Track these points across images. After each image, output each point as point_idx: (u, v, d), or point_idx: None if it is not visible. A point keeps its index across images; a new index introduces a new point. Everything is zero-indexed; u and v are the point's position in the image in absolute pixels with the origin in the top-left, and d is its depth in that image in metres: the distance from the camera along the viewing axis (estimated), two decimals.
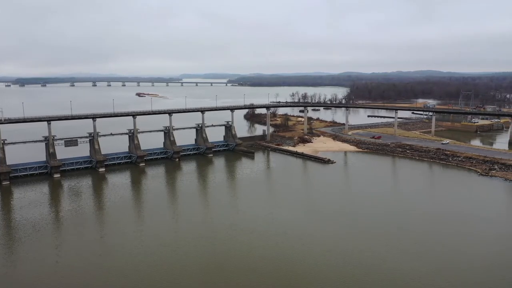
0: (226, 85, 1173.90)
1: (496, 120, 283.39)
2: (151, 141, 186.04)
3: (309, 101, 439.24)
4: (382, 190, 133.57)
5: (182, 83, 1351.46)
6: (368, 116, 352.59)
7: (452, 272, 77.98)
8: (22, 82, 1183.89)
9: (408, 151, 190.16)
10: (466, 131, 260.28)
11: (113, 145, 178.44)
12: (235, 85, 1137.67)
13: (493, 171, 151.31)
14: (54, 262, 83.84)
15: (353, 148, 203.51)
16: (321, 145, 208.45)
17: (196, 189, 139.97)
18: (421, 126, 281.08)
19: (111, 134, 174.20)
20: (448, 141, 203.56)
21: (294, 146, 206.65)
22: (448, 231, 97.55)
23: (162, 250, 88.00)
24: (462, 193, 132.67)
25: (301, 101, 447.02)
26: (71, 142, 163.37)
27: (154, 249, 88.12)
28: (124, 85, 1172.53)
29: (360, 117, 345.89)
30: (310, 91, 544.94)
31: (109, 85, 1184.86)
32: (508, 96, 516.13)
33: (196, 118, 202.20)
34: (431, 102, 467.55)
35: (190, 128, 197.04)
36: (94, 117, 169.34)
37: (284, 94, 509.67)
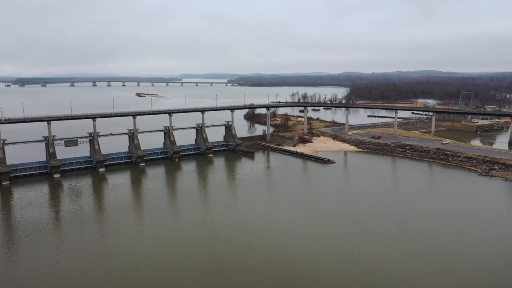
0: (226, 85, 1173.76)
1: (496, 120, 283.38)
2: (151, 141, 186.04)
3: (309, 101, 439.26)
4: (382, 190, 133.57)
5: (182, 83, 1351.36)
6: (368, 116, 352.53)
7: (452, 272, 77.99)
8: (22, 82, 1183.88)
9: (408, 151, 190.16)
10: (466, 131, 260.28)
11: (113, 145, 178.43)
12: (235, 85, 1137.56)
13: (493, 171, 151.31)
14: (54, 262, 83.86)
15: (353, 148, 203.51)
16: (321, 145, 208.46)
17: (196, 189, 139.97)
18: (421, 126, 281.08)
19: (111, 134, 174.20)
20: (448, 141, 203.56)
21: (294, 146, 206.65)
22: (448, 231, 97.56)
23: (162, 250, 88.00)
24: (462, 193, 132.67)
25: (301, 101, 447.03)
26: (71, 142, 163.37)
27: (154, 249, 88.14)
28: (124, 85, 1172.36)
29: (360, 117, 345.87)
30: (310, 91, 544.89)
31: (109, 85, 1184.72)
32: (508, 96, 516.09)
33: (196, 118, 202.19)
34: (431, 102, 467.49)
35: (190, 128, 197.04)
36: (94, 117, 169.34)
37: (284, 94, 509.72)
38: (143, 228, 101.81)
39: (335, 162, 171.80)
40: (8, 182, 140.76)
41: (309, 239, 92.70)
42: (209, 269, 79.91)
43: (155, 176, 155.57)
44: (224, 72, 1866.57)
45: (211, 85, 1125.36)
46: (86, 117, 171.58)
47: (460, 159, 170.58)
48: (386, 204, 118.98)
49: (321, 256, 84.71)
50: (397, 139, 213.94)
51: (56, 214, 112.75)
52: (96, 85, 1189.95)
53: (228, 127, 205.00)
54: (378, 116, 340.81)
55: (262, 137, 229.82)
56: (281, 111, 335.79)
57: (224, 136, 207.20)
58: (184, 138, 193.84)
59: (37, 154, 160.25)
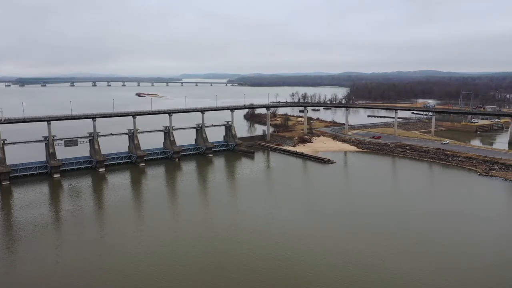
0: (226, 85, 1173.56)
1: (496, 120, 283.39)
2: (151, 141, 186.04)
3: (309, 101, 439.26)
4: (382, 190, 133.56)
5: (182, 83, 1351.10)
6: (368, 116, 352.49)
7: (452, 272, 77.99)
8: (22, 82, 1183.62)
9: (408, 151, 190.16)
10: (466, 131, 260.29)
11: (113, 145, 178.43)
12: (235, 85, 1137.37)
13: (493, 171, 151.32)
14: (54, 262, 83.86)
15: (353, 148, 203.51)
16: (321, 145, 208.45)
17: (196, 189, 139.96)
18: (421, 126, 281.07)
19: (111, 134, 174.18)
20: (448, 141, 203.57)
21: (294, 146, 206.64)
22: (448, 231, 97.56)
23: (162, 250, 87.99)
24: (462, 193, 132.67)
25: (301, 101, 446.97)
26: (71, 142, 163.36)
27: (154, 249, 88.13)
28: (124, 85, 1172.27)
29: (360, 117, 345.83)
30: (310, 91, 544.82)
31: (109, 85, 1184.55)
32: (508, 96, 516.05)
33: (196, 118, 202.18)
34: (431, 102, 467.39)
35: (190, 128, 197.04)
36: (94, 117, 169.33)
37: (284, 94, 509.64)
38: (143, 228, 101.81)
39: (335, 162, 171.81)
40: (8, 182, 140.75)
41: (309, 239, 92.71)
42: (209, 269, 79.91)
43: (155, 176, 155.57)
44: (224, 72, 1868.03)
45: (211, 85, 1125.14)
46: (86, 117, 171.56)
47: (460, 159, 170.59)
48: (386, 204, 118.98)
49: (321, 256, 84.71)
50: (397, 139, 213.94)
51: (56, 214, 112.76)
52: (96, 85, 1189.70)
53: (228, 127, 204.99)
54: (378, 116, 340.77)
55: (262, 137, 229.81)
56: (281, 111, 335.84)
57: (224, 136, 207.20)
58: (184, 138, 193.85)
59: (37, 154, 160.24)
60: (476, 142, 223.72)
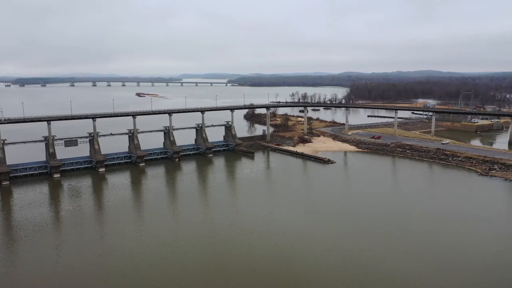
0: (226, 85, 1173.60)
1: (496, 120, 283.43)
2: (151, 141, 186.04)
3: (309, 101, 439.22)
4: (382, 190, 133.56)
5: (182, 83, 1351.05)
6: (368, 116, 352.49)
7: (452, 272, 77.99)
8: (22, 82, 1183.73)
9: (408, 151, 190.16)
10: (466, 131, 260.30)
11: (113, 145, 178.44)
12: (235, 85, 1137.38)
13: (493, 171, 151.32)
14: (54, 262, 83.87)
15: (353, 148, 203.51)
16: (321, 145, 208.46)
17: (196, 189, 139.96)
18: (421, 126, 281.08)
19: (111, 134, 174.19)
20: (448, 141, 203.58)
21: (294, 146, 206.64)
22: (448, 231, 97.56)
23: (162, 250, 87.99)
24: (462, 193, 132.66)
25: (301, 101, 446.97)
26: (71, 142, 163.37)
27: (154, 249, 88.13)
28: (124, 85, 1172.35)
29: (360, 117, 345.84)
30: (310, 91, 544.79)
31: (109, 85, 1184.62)
32: (508, 96, 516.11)
33: (196, 118, 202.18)
34: (431, 102, 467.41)
35: (190, 128, 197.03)
36: (94, 117, 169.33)
37: (284, 94, 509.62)
38: (143, 228, 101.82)
39: (335, 162, 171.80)
40: (8, 182, 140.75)
41: (309, 239, 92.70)
42: (209, 269, 79.91)
43: (155, 176, 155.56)
44: (224, 72, 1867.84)
45: (211, 85, 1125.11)
46: (86, 117, 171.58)
47: (460, 159, 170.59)
48: (386, 204, 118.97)
49: (321, 256, 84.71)
50: (397, 139, 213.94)
51: (56, 214, 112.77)
52: (96, 85, 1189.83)
53: (228, 127, 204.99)
54: (378, 116, 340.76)
55: (262, 137, 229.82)
56: (281, 111, 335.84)
57: (224, 136, 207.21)
58: (184, 138, 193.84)
59: (37, 154, 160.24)
60: (476, 142, 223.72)
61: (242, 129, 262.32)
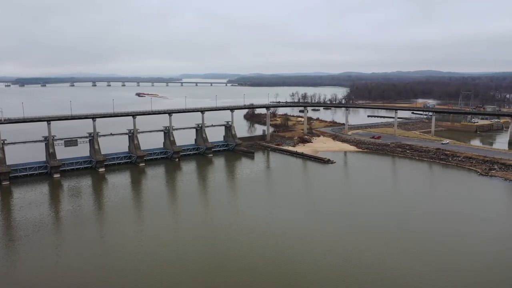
0: (226, 85, 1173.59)
1: (496, 120, 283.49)
2: (151, 141, 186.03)
3: (309, 101, 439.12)
4: (382, 190, 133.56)
5: (182, 83, 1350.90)
6: (368, 116, 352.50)
7: (452, 272, 78.00)
8: (22, 82, 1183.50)
9: (408, 151, 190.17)
10: (466, 131, 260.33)
11: (113, 145, 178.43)
12: (235, 85, 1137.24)
13: (493, 171, 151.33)
14: (54, 262, 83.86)
15: (353, 148, 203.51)
16: (321, 145, 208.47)
17: (196, 189, 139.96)
18: (421, 126, 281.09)
19: (111, 134, 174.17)
20: (448, 141, 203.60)
21: (294, 146, 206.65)
22: (448, 231, 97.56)
23: (162, 250, 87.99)
24: (462, 193, 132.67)
25: (301, 101, 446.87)
26: (71, 142, 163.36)
27: (154, 249, 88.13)
28: (124, 85, 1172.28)
29: (360, 117, 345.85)
30: (310, 91, 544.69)
31: (109, 85, 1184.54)
32: (508, 96, 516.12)
33: (196, 118, 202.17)
34: (431, 102, 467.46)
35: (190, 128, 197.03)
36: (94, 117, 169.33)
37: (284, 94, 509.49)
38: (143, 228, 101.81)
39: (335, 162, 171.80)
40: (8, 182, 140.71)
41: (309, 239, 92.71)
42: (209, 268, 79.91)
43: (155, 176, 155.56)
44: (224, 72, 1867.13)
45: (211, 85, 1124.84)
46: (86, 117, 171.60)
47: (460, 159, 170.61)
48: (386, 204, 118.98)
49: (321, 256, 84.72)
50: (397, 139, 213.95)
51: (56, 214, 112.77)
52: (96, 85, 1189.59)
53: (228, 127, 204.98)
54: (378, 116, 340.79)
55: (262, 137, 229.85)
56: (281, 111, 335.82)
57: (224, 136, 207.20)
58: (184, 138, 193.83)
59: (37, 154, 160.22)
60: (476, 142, 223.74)
61: (242, 129, 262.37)
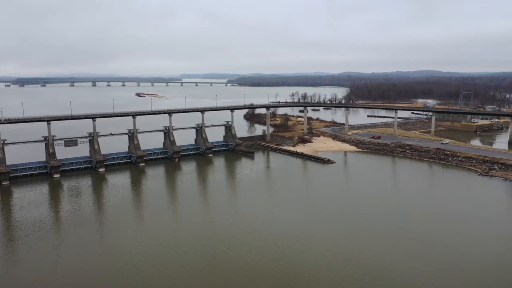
0: (226, 85, 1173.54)
1: (495, 120, 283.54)
2: (151, 141, 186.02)
3: (309, 101, 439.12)
4: (382, 190, 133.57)
5: (182, 83, 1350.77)
6: (368, 116, 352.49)
7: (452, 272, 78.01)
8: (22, 82, 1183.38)
9: (408, 151, 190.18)
10: (466, 131, 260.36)
11: (113, 145, 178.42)
12: (235, 85, 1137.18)
13: (493, 171, 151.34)
14: (54, 262, 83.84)
15: (353, 148, 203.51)
16: (321, 145, 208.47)
17: (196, 189, 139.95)
18: (421, 126, 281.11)
19: (111, 134, 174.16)
20: (448, 141, 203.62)
21: (294, 146, 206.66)
22: (448, 231, 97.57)
23: (162, 250, 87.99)
24: (462, 193, 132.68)
25: (301, 101, 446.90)
26: (71, 142, 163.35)
27: (154, 249, 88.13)
28: (124, 85, 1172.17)
29: (360, 117, 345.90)
30: (310, 91, 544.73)
31: (109, 85, 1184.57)
32: (508, 96, 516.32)
33: (196, 118, 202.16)
34: (431, 102, 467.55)
35: (190, 128, 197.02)
36: (94, 117, 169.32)
37: (284, 94, 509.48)
38: (143, 228, 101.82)
39: (335, 162, 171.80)
40: (8, 182, 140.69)
41: (309, 239, 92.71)
42: (209, 268, 79.92)
43: (155, 176, 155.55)
44: (224, 72, 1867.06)
45: (211, 85, 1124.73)
46: (86, 117, 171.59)
47: (460, 159, 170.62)
48: (386, 204, 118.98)
49: (321, 255, 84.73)
50: (397, 139, 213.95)
51: (56, 214, 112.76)
52: (95, 85, 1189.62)
53: (228, 127, 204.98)
54: (378, 116, 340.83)
55: (262, 137, 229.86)
56: (281, 111, 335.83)
57: (224, 136, 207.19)
58: (184, 138, 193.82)
59: (37, 154, 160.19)
60: (476, 142, 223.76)
61: (242, 129, 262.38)
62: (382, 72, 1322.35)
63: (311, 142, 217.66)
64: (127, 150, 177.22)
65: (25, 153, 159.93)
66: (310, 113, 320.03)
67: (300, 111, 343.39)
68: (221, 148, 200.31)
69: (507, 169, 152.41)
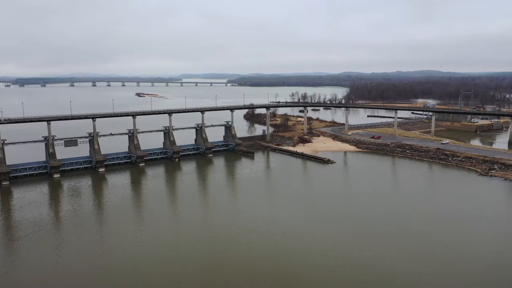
0: (226, 85, 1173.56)
1: (495, 120, 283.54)
2: (151, 141, 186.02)
3: (309, 101, 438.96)
4: (382, 190, 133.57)
5: (181, 83, 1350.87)
6: (368, 116, 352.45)
7: (452, 272, 78.01)
8: (22, 82, 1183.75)
9: (408, 151, 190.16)
10: (466, 131, 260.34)
11: (113, 145, 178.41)
12: (235, 85, 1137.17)
13: (493, 171, 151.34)
14: (54, 262, 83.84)
15: (353, 148, 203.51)
16: (321, 145, 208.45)
17: (196, 189, 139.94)
18: (421, 126, 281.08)
19: (111, 134, 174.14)
20: (447, 141, 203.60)
21: (294, 146, 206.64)
22: (448, 231, 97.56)
23: (162, 250, 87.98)
24: (462, 193, 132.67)
25: (301, 101, 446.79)
26: (71, 142, 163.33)
27: (154, 249, 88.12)
28: (123, 85, 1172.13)
29: (360, 117, 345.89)
30: (310, 91, 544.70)
31: (109, 85, 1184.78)
32: (508, 96, 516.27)
33: (196, 118, 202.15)
34: (430, 102, 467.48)
35: (190, 128, 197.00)
36: (94, 117, 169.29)
37: (284, 94, 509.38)
38: (143, 228, 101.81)
39: (335, 162, 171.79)
40: (8, 182, 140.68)
41: (309, 239, 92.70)
42: (209, 268, 79.92)
43: (155, 176, 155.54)
44: (224, 72, 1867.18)
45: (211, 85, 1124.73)
46: (86, 117, 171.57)
47: (460, 159, 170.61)
48: (386, 204, 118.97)
49: (321, 255, 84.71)
50: (397, 139, 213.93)
51: (56, 214, 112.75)
52: (95, 85, 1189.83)
53: (228, 127, 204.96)
54: (378, 116, 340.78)
55: (262, 137, 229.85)
56: (281, 111, 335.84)
57: (224, 136, 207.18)
58: (184, 138, 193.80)
59: (37, 154, 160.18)
60: (476, 142, 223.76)
61: (242, 129, 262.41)
62: (382, 72, 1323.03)
63: (311, 142, 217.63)
64: (127, 150, 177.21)
65: (25, 153, 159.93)
66: (310, 113, 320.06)
67: (300, 111, 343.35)
68: (221, 148, 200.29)
69: (507, 169, 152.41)
